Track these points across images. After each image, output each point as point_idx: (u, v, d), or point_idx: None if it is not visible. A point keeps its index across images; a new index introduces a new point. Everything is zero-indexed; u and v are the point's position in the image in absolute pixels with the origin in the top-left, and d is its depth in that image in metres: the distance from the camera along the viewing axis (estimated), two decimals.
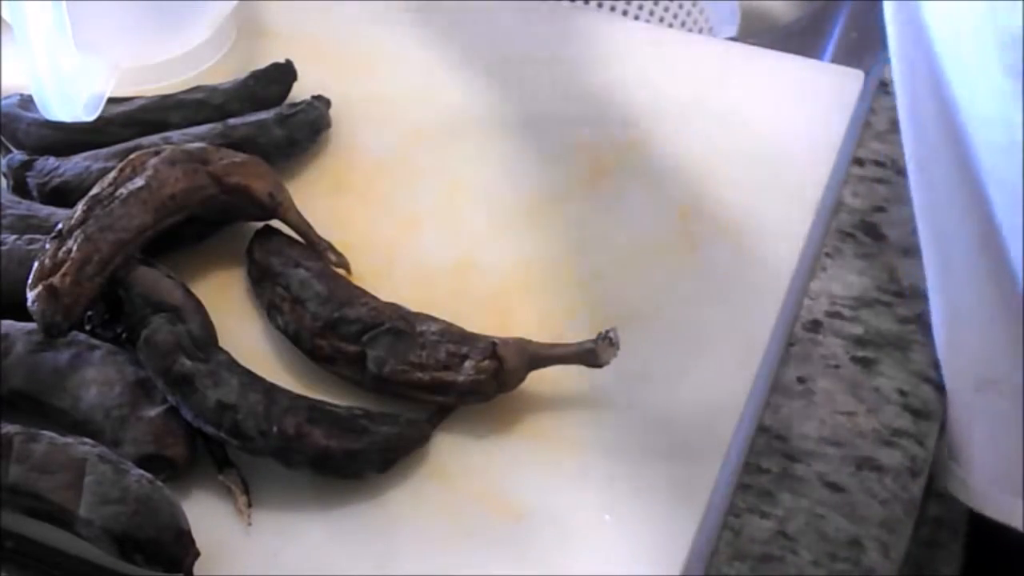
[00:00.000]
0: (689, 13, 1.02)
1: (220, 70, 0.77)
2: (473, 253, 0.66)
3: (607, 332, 0.58)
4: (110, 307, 0.59)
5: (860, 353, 0.63)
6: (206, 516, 0.54)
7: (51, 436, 0.53)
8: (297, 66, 0.74)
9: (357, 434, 0.55)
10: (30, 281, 0.57)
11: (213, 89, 0.72)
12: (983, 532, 0.74)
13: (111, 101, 0.69)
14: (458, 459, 0.57)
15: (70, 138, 0.68)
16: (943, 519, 0.80)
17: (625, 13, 1.02)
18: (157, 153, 0.62)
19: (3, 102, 0.71)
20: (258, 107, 0.71)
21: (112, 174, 0.61)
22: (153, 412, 0.56)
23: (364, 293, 0.61)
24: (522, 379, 0.58)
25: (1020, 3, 0.50)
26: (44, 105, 0.65)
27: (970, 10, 0.52)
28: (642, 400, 0.59)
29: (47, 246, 0.58)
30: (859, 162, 0.73)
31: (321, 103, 0.72)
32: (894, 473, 0.58)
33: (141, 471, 0.53)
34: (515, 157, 0.72)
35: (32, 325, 0.57)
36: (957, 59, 0.54)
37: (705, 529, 0.55)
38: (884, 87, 0.78)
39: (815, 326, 0.64)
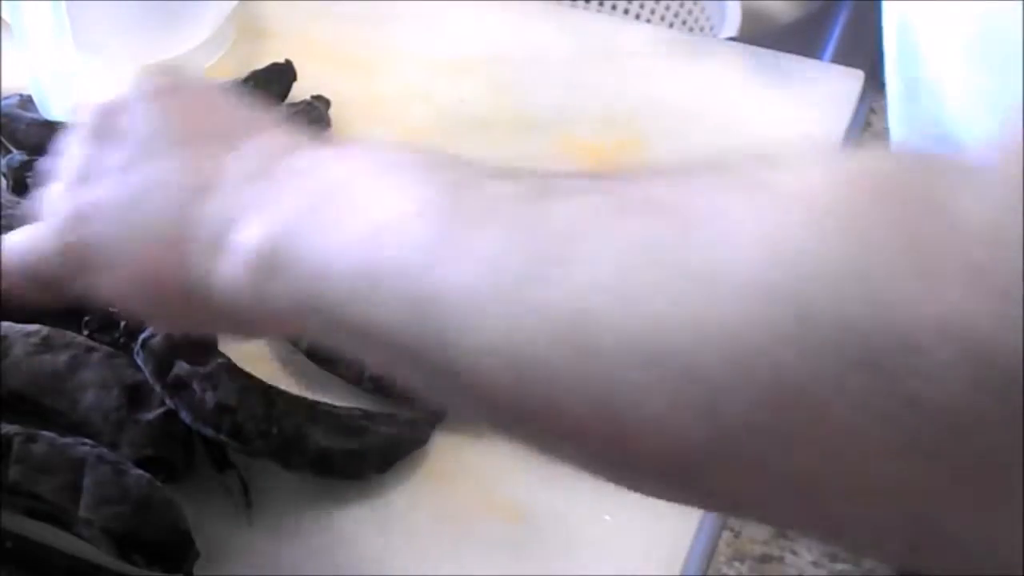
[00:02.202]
0: (690, 12, 1.02)
1: (220, 70, 0.76)
2: None
3: None
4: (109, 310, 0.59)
5: None
6: (206, 516, 0.54)
7: (51, 437, 0.53)
8: (297, 66, 0.73)
9: (357, 434, 0.55)
10: None
11: None
12: None
13: None
14: (458, 459, 0.57)
15: None
16: None
17: (626, 12, 1.02)
18: None
19: (3, 102, 0.71)
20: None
21: None
22: (151, 415, 0.56)
23: None
24: None
25: None
26: (44, 105, 0.65)
27: None
28: None
29: None
30: None
31: (321, 103, 0.72)
32: None
33: (140, 471, 0.53)
34: (515, 157, 0.71)
35: (31, 327, 0.57)
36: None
37: (705, 529, 0.55)
38: (884, 87, 0.77)
39: None
